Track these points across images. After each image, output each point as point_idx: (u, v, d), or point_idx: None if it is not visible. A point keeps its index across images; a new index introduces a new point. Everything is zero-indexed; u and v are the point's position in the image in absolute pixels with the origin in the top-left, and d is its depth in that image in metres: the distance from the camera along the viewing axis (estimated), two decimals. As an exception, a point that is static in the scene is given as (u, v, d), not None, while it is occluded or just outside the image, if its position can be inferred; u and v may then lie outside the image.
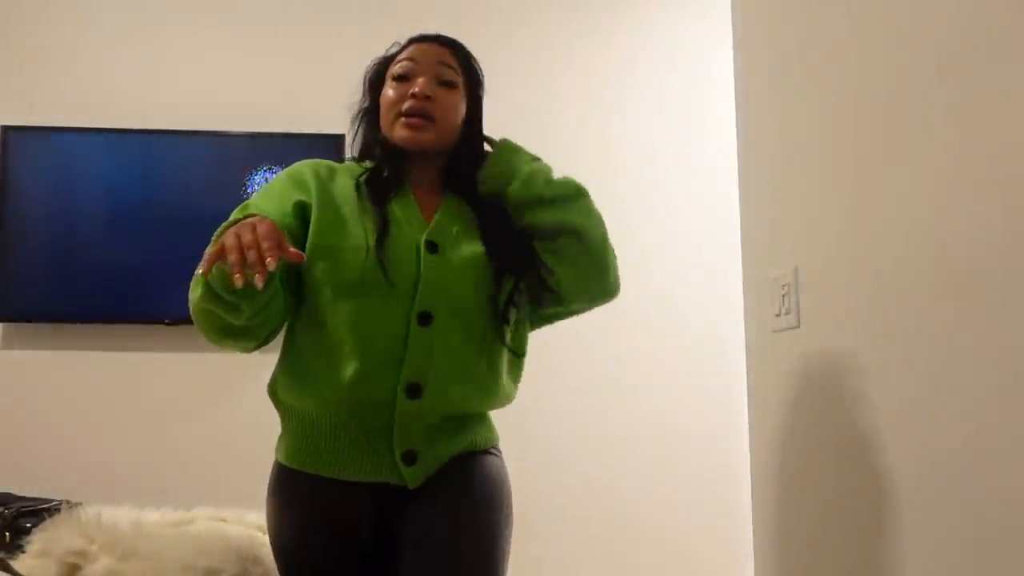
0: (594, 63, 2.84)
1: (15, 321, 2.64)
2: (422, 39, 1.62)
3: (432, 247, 1.48)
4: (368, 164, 1.61)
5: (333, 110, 2.80)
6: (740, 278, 2.50)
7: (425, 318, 1.44)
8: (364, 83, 1.66)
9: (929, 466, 1.54)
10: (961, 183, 1.46)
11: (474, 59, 1.62)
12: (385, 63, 1.64)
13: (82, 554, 1.69)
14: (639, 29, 2.87)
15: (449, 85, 1.56)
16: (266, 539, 1.91)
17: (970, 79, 1.44)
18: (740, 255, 2.52)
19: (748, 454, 2.55)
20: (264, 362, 2.67)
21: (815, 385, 2.01)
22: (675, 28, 2.87)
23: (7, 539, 2.09)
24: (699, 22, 2.85)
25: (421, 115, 1.52)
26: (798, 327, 2.09)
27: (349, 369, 1.41)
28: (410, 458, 1.45)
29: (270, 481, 1.55)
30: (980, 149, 1.42)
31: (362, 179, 1.54)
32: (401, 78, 1.55)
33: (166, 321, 2.62)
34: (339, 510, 1.46)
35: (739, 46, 2.64)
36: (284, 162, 2.76)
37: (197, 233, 2.63)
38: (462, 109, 1.58)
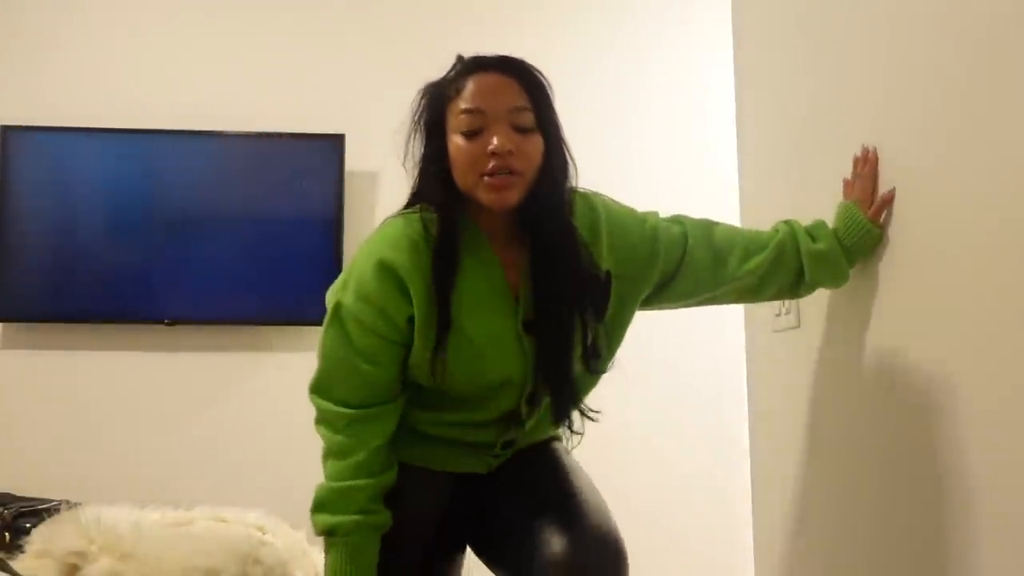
0: (593, 65, 2.84)
1: (15, 321, 2.64)
2: (483, 67, 1.42)
3: (529, 326, 1.45)
4: (426, 218, 1.43)
5: (333, 110, 2.83)
6: (740, 278, 2.50)
7: (533, 398, 1.50)
8: (420, 121, 1.47)
9: (929, 465, 1.54)
10: (959, 182, 1.46)
11: (541, 79, 1.44)
12: (440, 95, 1.44)
13: (82, 555, 1.70)
14: (638, 33, 2.86)
15: (526, 130, 1.40)
16: (265, 538, 1.91)
17: (968, 78, 1.44)
18: (740, 255, 2.52)
19: (748, 454, 2.55)
20: (263, 363, 2.68)
21: (815, 385, 2.01)
22: (675, 30, 2.87)
23: (7, 539, 2.09)
24: (699, 23, 2.85)
25: (506, 173, 1.38)
26: (798, 327, 2.09)
27: (453, 431, 1.52)
28: (495, 455, 1.56)
29: None
30: (979, 148, 1.41)
31: (433, 272, 1.41)
32: (471, 133, 1.39)
33: (166, 321, 2.62)
34: (426, 492, 1.51)
35: (739, 46, 2.64)
36: (284, 162, 2.81)
37: (197, 233, 2.68)
38: (541, 146, 1.42)
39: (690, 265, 1.60)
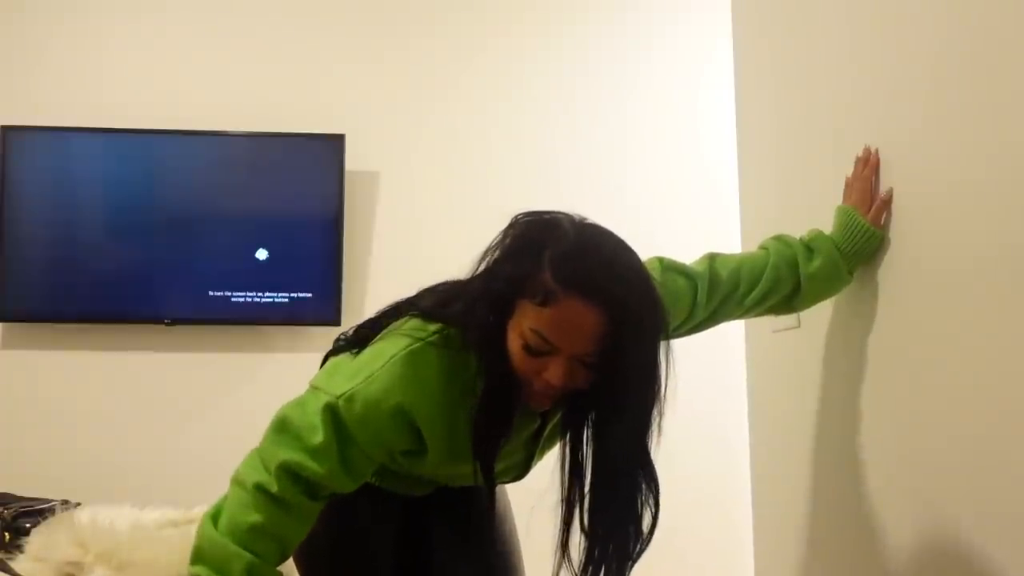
0: (593, 64, 2.84)
1: (15, 321, 2.64)
2: (582, 292, 1.18)
3: (536, 438, 1.43)
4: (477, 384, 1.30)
5: (333, 110, 2.83)
6: (740, 278, 2.50)
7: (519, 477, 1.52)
8: (492, 274, 1.27)
9: (928, 466, 1.54)
10: (959, 183, 1.46)
11: (640, 327, 1.22)
12: (520, 280, 1.22)
13: (77, 565, 1.69)
14: (639, 30, 2.86)
15: (587, 367, 1.23)
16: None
17: (968, 79, 1.44)
18: (740, 255, 2.52)
19: (748, 454, 2.55)
20: (264, 362, 2.68)
21: (815, 385, 2.01)
22: (675, 28, 2.86)
23: (7, 539, 2.09)
24: (699, 23, 2.84)
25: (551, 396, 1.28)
26: (798, 327, 2.09)
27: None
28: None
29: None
30: (979, 148, 1.41)
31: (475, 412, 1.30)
32: (533, 351, 1.22)
33: (166, 321, 2.62)
34: (388, 506, 1.55)
35: (739, 46, 2.64)
36: (284, 162, 2.82)
37: (197, 233, 2.68)
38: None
39: (693, 318, 1.61)
